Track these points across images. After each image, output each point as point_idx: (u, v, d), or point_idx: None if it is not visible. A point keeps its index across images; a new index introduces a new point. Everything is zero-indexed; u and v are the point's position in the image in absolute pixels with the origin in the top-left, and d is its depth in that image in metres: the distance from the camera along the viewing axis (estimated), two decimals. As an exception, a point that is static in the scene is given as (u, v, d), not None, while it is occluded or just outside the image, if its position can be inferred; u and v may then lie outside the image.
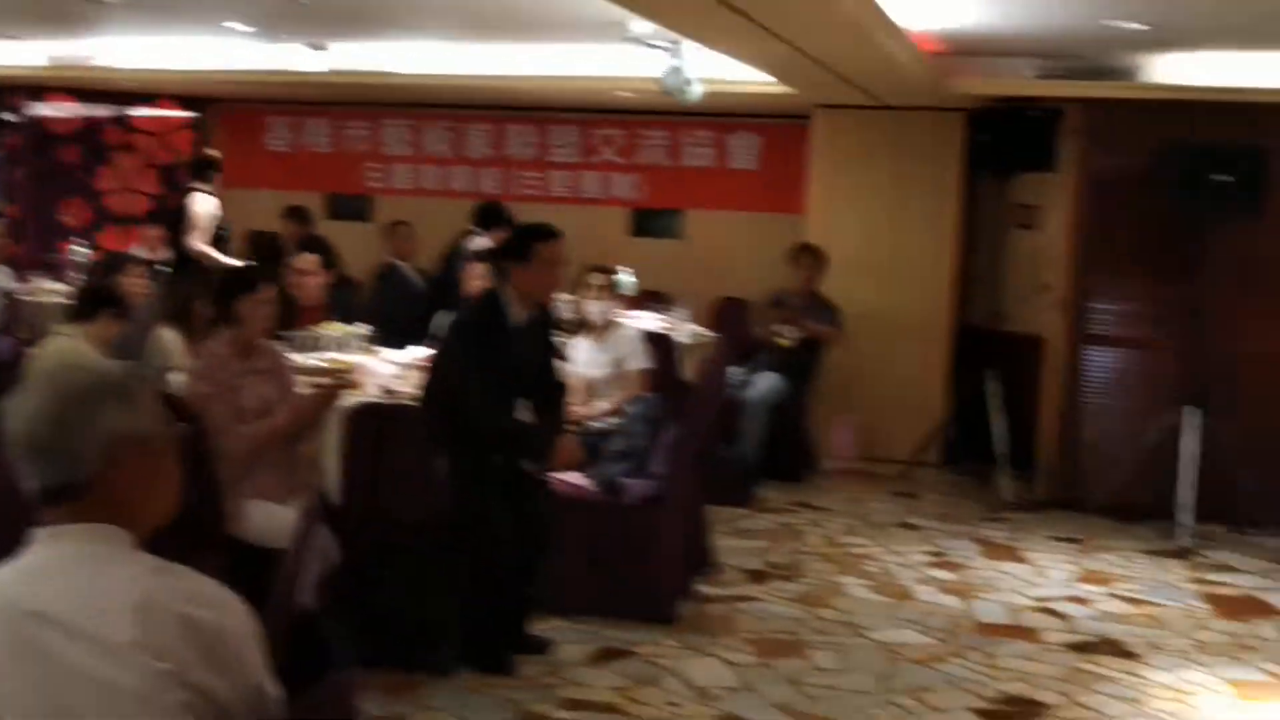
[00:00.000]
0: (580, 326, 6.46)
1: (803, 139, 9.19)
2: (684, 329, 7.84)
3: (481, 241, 8.02)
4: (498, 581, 4.68)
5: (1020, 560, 6.64)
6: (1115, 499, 7.54)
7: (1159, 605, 6.01)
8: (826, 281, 8.39)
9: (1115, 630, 5.60)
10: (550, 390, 4.91)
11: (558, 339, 5.22)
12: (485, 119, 10.49)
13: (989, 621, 5.64)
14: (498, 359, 4.60)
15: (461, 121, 10.57)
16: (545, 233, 4.74)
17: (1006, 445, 7.99)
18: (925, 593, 6.00)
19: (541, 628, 5.03)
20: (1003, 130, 8.24)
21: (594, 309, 6.34)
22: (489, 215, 8.43)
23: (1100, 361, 7.95)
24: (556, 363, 5.04)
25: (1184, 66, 7.38)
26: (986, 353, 8.30)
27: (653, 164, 10.15)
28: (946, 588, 6.09)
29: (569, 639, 5.05)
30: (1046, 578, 6.35)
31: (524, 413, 4.78)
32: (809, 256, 8.34)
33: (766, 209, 9.77)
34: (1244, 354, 7.55)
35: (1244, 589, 6.35)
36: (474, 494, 4.62)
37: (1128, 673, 5.09)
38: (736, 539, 6.68)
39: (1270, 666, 5.26)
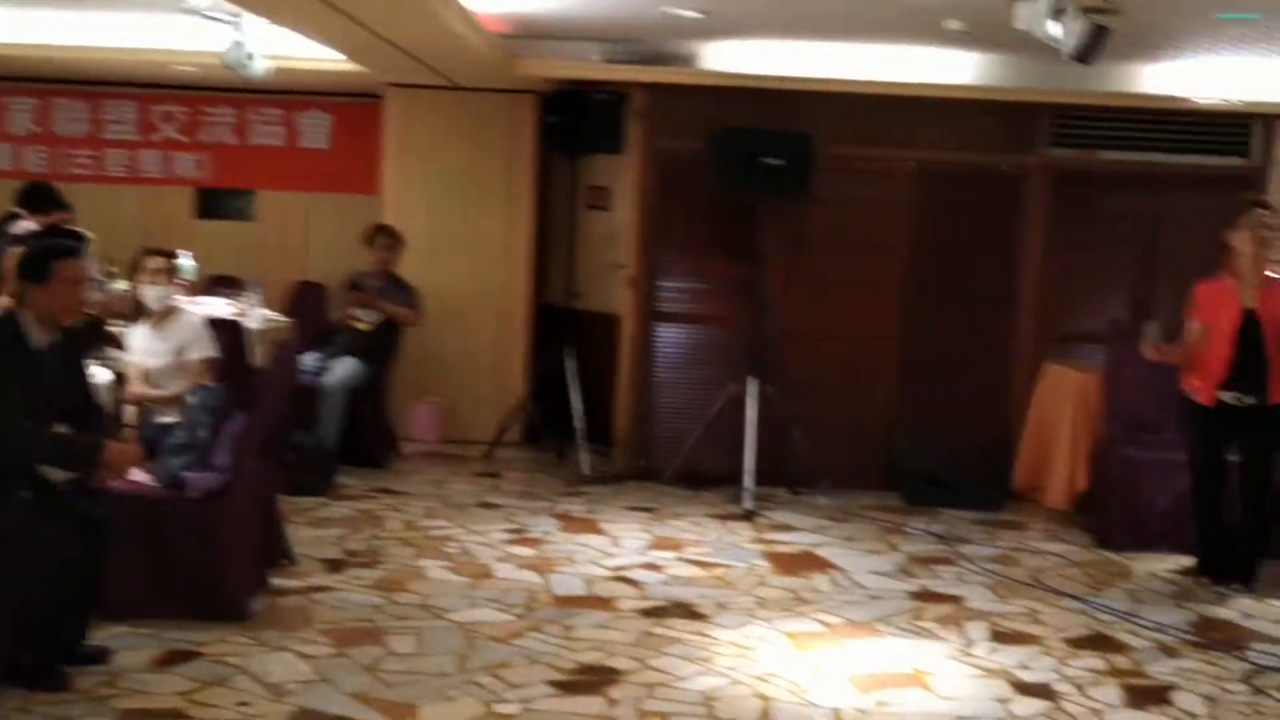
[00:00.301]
0: (138, 313, 6.09)
1: (376, 118, 9.05)
2: (255, 314, 7.54)
3: (27, 225, 7.40)
4: (38, 594, 4.32)
5: (597, 532, 6.82)
6: (686, 468, 7.90)
7: (726, 566, 6.32)
8: (404, 263, 8.31)
9: (685, 593, 5.84)
10: (86, 411, 4.61)
11: (91, 356, 4.93)
12: (28, 92, 9.67)
13: (566, 594, 5.75)
14: (19, 384, 4.28)
15: (1, 94, 9.71)
16: (63, 251, 4.52)
17: (584, 421, 8.19)
18: (505, 570, 6.05)
19: (100, 636, 4.69)
20: (572, 113, 8.40)
21: (151, 295, 5.99)
22: (36, 196, 7.77)
23: (670, 338, 8.28)
24: (90, 383, 4.76)
25: (739, 55, 7.78)
26: (564, 331, 8.46)
27: (219, 142, 9.68)
28: (525, 564, 6.16)
29: (130, 645, 4.74)
30: (622, 548, 6.55)
31: (62, 429, 4.47)
32: (385, 237, 8.23)
33: (340, 189, 9.55)
34: (794, 328, 8.07)
35: (801, 546, 6.78)
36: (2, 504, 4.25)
37: (697, 633, 5.31)
38: (314, 528, 6.51)
39: (824, 617, 5.63)
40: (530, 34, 7.64)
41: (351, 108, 9.51)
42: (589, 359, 8.37)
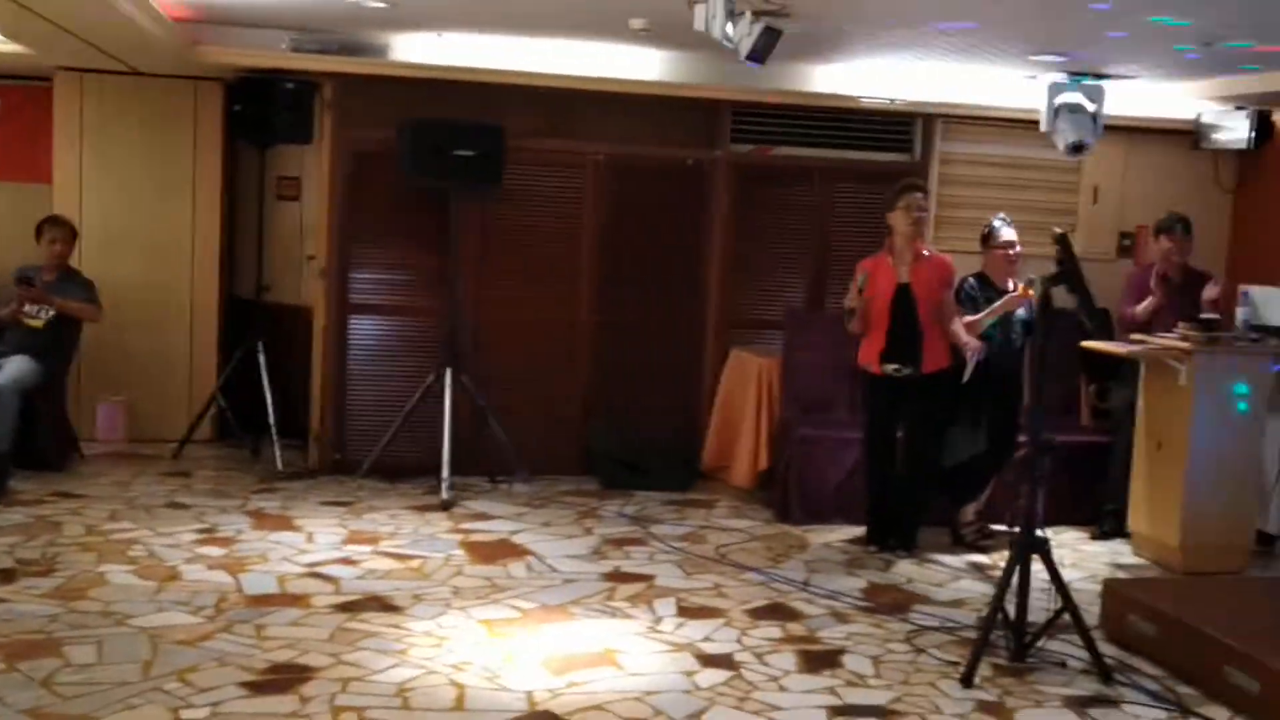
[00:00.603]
0: None
1: (47, 102, 8.58)
2: (-88, 312, 7.07)
3: None
4: None
5: (291, 529, 6.72)
6: (383, 461, 7.87)
7: (422, 557, 6.34)
8: (82, 256, 7.95)
9: (381, 587, 5.84)
10: None
11: None
12: None
13: (258, 593, 5.65)
14: None
15: None
16: None
17: (277, 416, 8.04)
18: (193, 571, 5.89)
19: None
20: (260, 102, 8.19)
21: None
22: None
23: (365, 329, 8.20)
24: None
25: (430, 47, 7.77)
26: (256, 325, 8.27)
27: None
28: (216, 564, 6.02)
29: None
30: (316, 543, 6.48)
31: None
32: (57, 229, 7.84)
33: (7, 177, 8.97)
34: (490, 317, 8.15)
35: (498, 534, 6.87)
36: None
37: (392, 626, 5.33)
38: (-16, 537, 6.18)
39: (519, 603, 5.73)
40: (215, 20, 7.42)
41: (19, 90, 8.95)
42: (282, 353, 8.22)
